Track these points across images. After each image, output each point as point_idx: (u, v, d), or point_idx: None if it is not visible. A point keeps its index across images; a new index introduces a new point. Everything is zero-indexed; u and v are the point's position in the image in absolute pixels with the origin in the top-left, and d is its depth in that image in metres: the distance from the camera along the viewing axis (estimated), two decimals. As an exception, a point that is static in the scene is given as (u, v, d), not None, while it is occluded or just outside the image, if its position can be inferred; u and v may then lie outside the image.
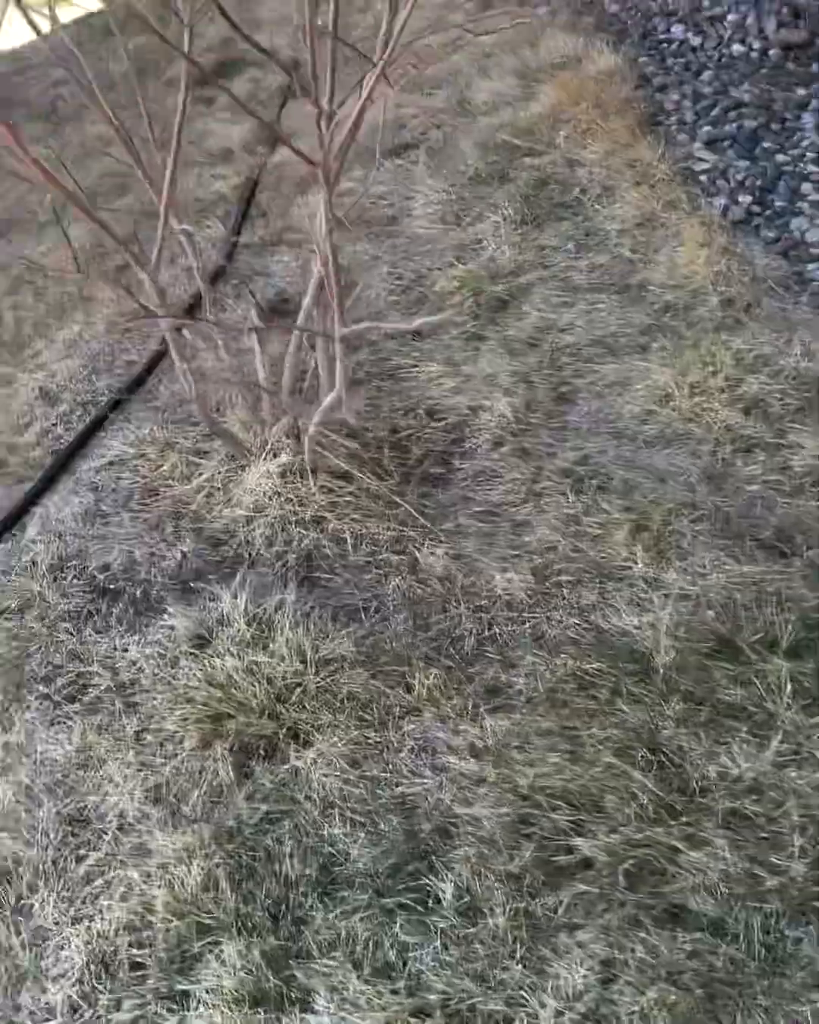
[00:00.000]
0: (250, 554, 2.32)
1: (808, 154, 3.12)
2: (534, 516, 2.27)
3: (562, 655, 1.97)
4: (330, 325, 2.42)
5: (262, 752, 1.93)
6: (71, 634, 2.23)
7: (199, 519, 2.43)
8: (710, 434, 2.35)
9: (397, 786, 1.84)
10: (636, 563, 2.10)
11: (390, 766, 1.87)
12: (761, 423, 2.34)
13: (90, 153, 4.18)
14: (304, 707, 1.96)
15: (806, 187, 2.99)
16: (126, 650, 2.17)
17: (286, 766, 1.90)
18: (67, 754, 1.99)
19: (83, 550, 2.42)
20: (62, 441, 2.76)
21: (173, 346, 2.35)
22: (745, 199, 2.99)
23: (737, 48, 3.81)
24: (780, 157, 3.13)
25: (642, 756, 1.80)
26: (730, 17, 4.01)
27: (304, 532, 2.32)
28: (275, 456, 2.42)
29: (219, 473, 2.49)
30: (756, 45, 3.81)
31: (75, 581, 2.34)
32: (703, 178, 3.11)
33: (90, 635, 2.22)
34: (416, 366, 2.72)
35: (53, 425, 2.83)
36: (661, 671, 1.91)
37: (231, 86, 4.67)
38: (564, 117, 3.52)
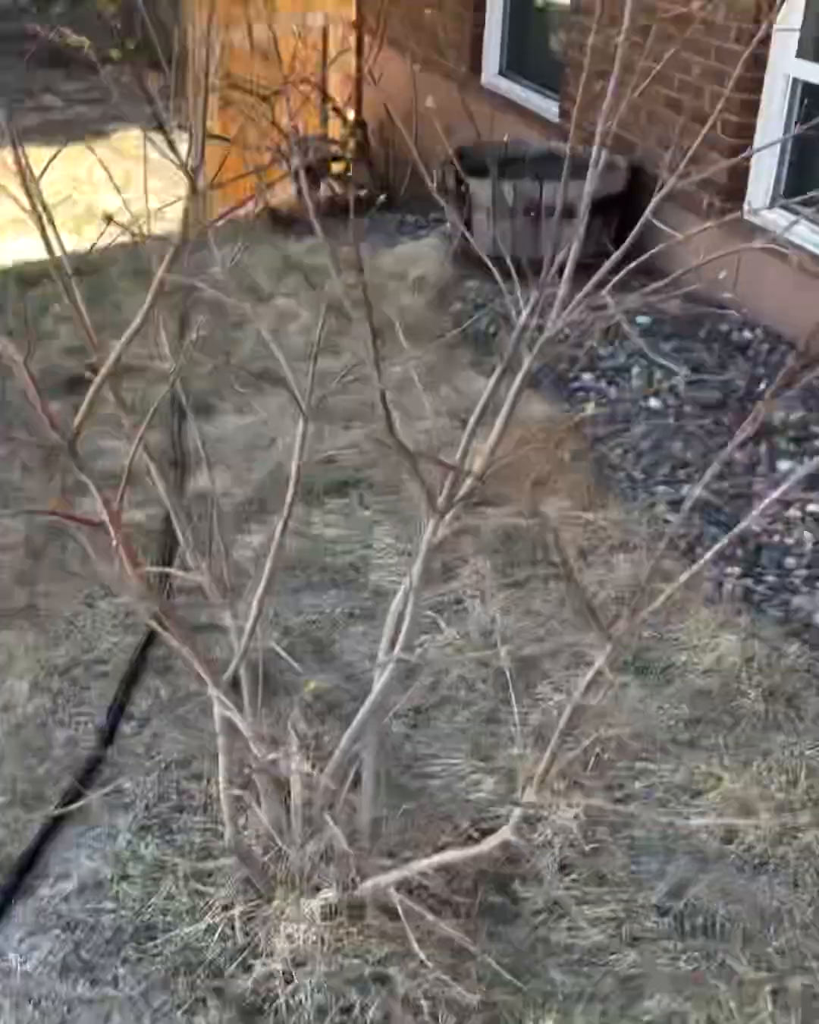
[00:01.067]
0: (298, 1029, 1.85)
1: (776, 524, 3.13)
2: (642, 969, 1.94)
3: None
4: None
5: None
6: None
7: (218, 973, 1.94)
8: (808, 861, 2.12)
9: None
10: (798, 1045, 1.79)
11: None
12: (858, 846, 2.14)
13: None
14: None
15: (790, 561, 2.97)
16: None
17: None
18: None
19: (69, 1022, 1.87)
20: (5, 851, 2.21)
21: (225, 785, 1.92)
22: (733, 570, 2.93)
23: (654, 402, 3.91)
24: (751, 527, 3.13)
25: None
26: (634, 369, 4.15)
27: (366, 998, 1.88)
28: (316, 890, 2.00)
29: (237, 907, 2.03)
30: (671, 401, 3.93)
31: (64, 1073, 1.79)
32: (681, 544, 3.05)
33: None
34: (437, 757, 2.39)
35: (-13, 826, 2.28)
36: None
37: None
38: (512, 465, 3.44)
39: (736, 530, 1.58)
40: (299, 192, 7.91)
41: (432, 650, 2.72)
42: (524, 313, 1.78)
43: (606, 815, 2.23)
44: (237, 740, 1.90)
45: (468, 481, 1.81)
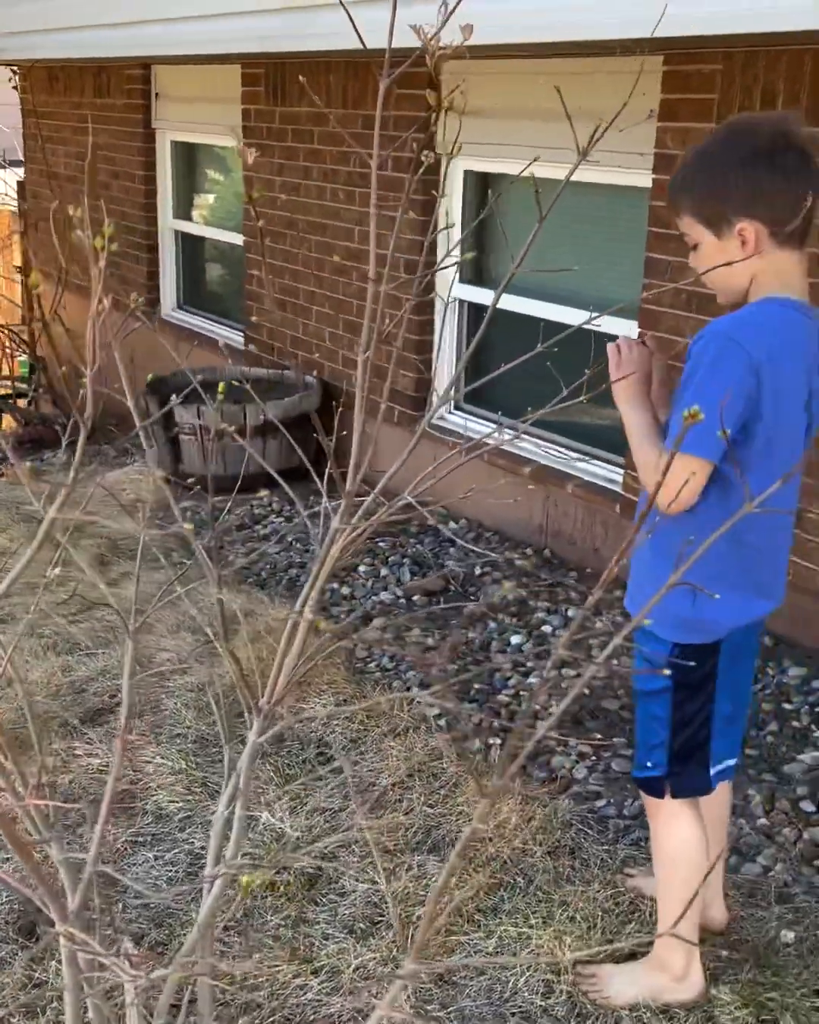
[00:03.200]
0: None
1: (521, 692, 3.39)
2: None
3: None
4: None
5: None
6: None
7: None
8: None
9: None
10: None
11: None
12: (662, 976, 2.31)
13: None
14: None
15: (540, 724, 3.22)
16: None
17: None
18: None
19: None
20: None
21: None
22: (495, 741, 3.14)
23: (385, 595, 4.17)
24: (501, 697, 3.37)
25: None
26: (361, 568, 4.41)
27: None
28: None
29: None
30: (399, 592, 4.20)
31: None
32: (443, 722, 3.24)
33: None
34: (257, 968, 2.38)
35: None
36: None
37: None
38: (269, 671, 3.54)
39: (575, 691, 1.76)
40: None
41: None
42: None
43: (433, 993, 2.30)
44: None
45: (282, 685, 1.92)
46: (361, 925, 2.50)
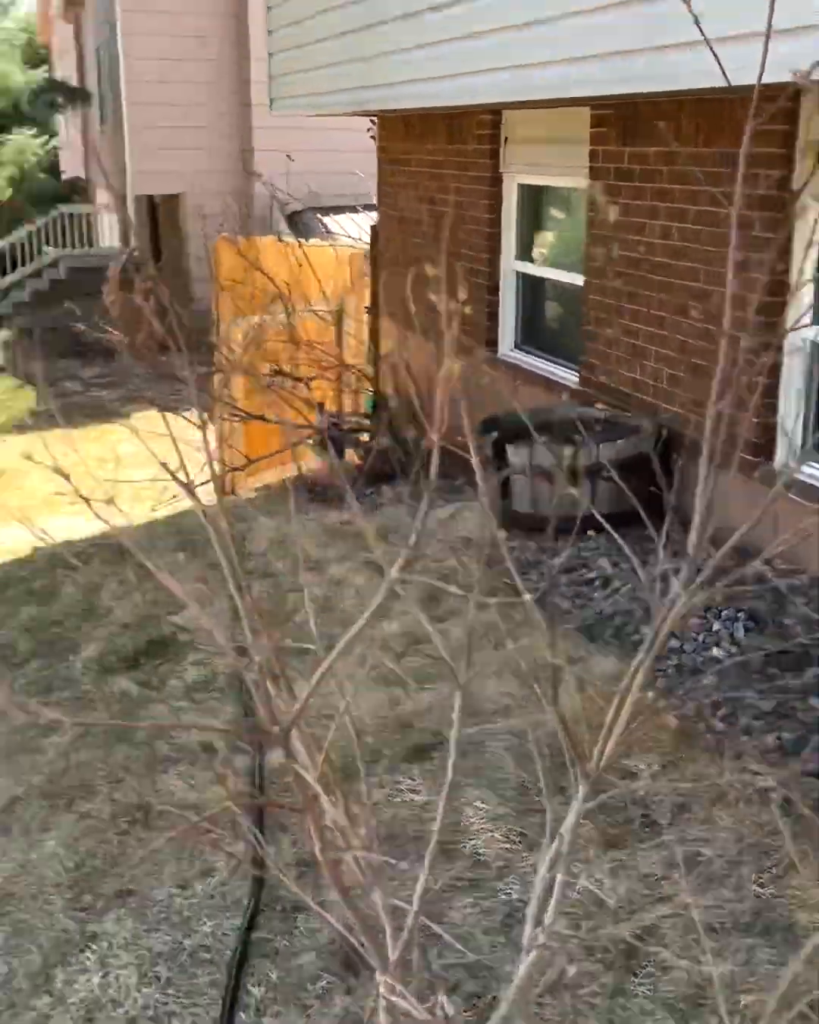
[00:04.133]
0: None
1: (867, 769, 3.13)
2: None
3: None
4: None
5: None
6: None
7: None
8: None
9: None
10: None
11: None
12: None
13: None
14: None
15: (891, 807, 2.95)
16: None
17: None
18: None
19: None
20: None
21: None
22: (836, 820, 2.91)
23: (717, 652, 3.98)
24: (843, 773, 3.13)
25: None
26: (693, 621, 4.24)
27: None
28: None
29: None
30: (733, 650, 4.00)
31: None
32: (773, 795, 3.04)
33: None
34: (571, 1037, 2.31)
35: None
36: None
37: (178, 670, 4.48)
38: (595, 723, 3.47)
39: None
40: (332, 467, 8.31)
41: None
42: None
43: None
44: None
45: (610, 752, 1.85)
46: (682, 1006, 2.37)
